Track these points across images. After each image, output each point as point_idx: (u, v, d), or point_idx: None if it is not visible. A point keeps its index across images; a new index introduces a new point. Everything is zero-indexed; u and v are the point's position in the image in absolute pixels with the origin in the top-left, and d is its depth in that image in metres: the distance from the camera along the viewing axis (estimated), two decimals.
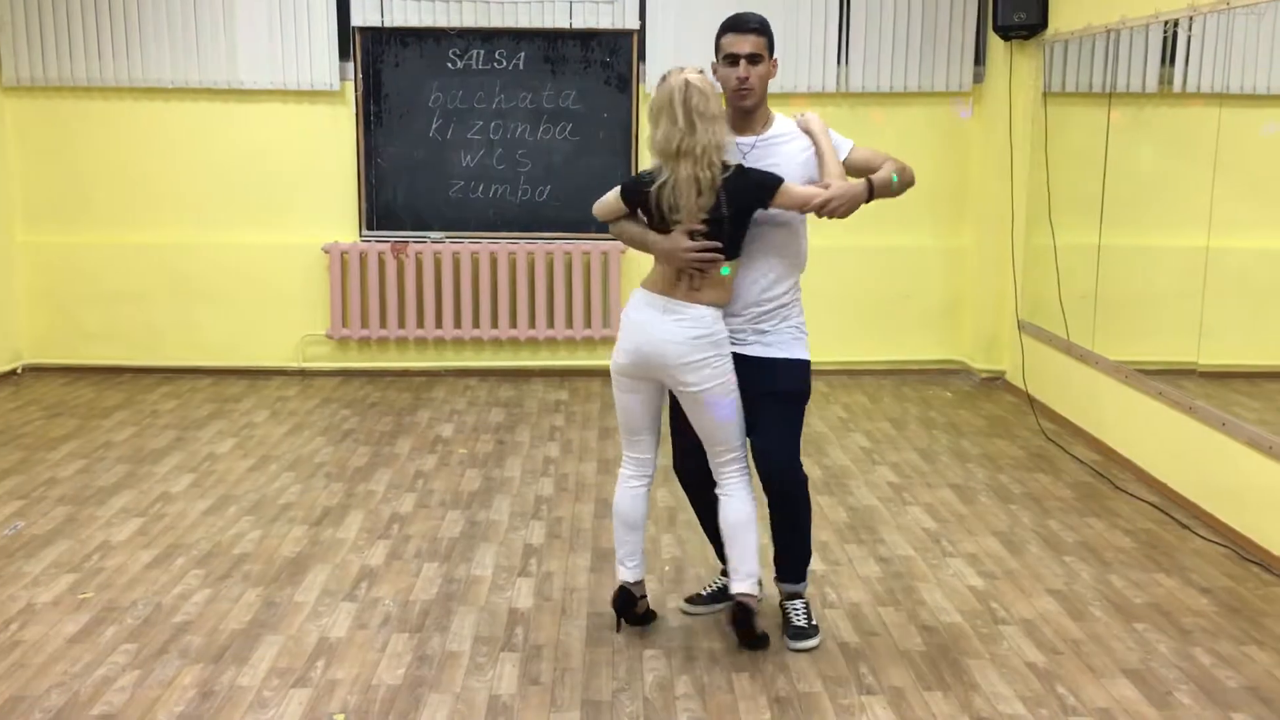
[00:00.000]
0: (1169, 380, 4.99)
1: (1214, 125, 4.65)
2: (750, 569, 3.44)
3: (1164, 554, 4.33)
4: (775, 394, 3.42)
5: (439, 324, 7.08)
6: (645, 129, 6.92)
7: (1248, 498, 4.37)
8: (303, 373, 7.13)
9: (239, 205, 7.02)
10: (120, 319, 7.06)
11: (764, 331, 3.44)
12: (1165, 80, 5.16)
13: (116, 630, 3.60)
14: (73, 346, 7.09)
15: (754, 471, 3.52)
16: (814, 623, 3.59)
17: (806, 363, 3.49)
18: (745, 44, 3.30)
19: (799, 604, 3.59)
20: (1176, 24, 4.97)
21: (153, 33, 6.79)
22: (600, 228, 7.00)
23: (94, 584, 3.95)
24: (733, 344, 3.39)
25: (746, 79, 3.31)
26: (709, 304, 3.35)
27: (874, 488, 5.07)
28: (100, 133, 6.93)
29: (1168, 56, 5.10)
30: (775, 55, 3.41)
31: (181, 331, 7.08)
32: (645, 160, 7.11)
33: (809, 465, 5.33)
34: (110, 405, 6.35)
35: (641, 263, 7.08)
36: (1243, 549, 4.33)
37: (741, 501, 3.44)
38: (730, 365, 3.38)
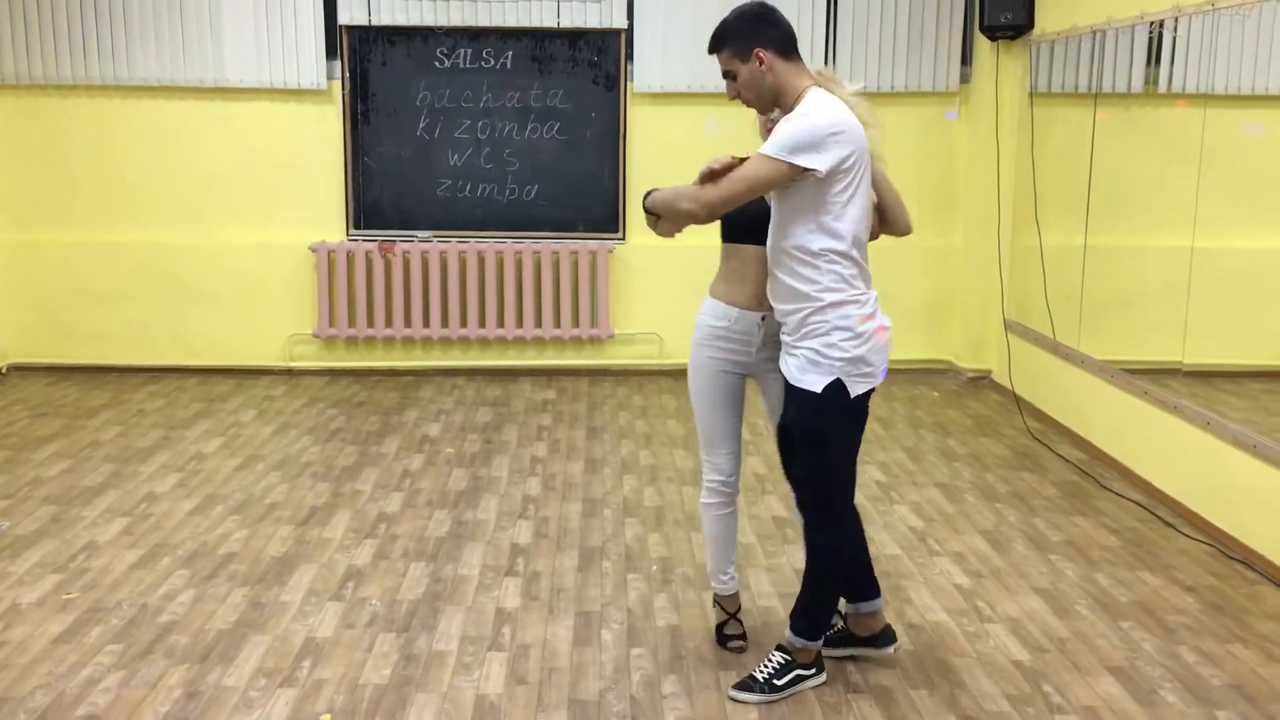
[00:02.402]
0: (1154, 379, 5.01)
1: (1199, 125, 4.67)
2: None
3: (1149, 552, 4.35)
4: (789, 427, 3.19)
5: (426, 323, 7.07)
6: (633, 127, 6.99)
7: (1232, 496, 4.40)
8: (290, 372, 7.12)
9: (226, 204, 7.00)
10: (106, 318, 7.03)
11: (785, 343, 3.15)
12: (1151, 81, 5.18)
13: (102, 631, 3.59)
14: (58, 346, 7.06)
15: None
16: (774, 681, 3.22)
17: (815, 395, 3.02)
18: (719, 65, 3.18)
19: (774, 655, 3.28)
20: (1162, 25, 4.99)
21: (139, 31, 6.77)
22: (589, 227, 7.09)
23: (79, 584, 3.94)
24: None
25: (737, 96, 3.19)
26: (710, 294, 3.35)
27: (861, 487, 5.08)
28: (86, 131, 6.90)
29: (1153, 57, 5.12)
30: (756, 48, 3.05)
31: (168, 331, 7.06)
32: (634, 158, 7.16)
33: None
34: (96, 405, 6.33)
35: (632, 262, 7.12)
36: (1227, 547, 4.35)
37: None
38: (693, 355, 3.37)
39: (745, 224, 3.24)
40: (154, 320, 7.05)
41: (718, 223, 3.27)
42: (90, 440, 5.65)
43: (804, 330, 3.05)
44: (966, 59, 7.01)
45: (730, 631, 3.54)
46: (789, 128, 2.96)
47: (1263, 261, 4.50)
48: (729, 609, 3.57)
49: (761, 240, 3.19)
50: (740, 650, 3.49)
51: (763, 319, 3.26)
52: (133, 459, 5.35)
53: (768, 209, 3.17)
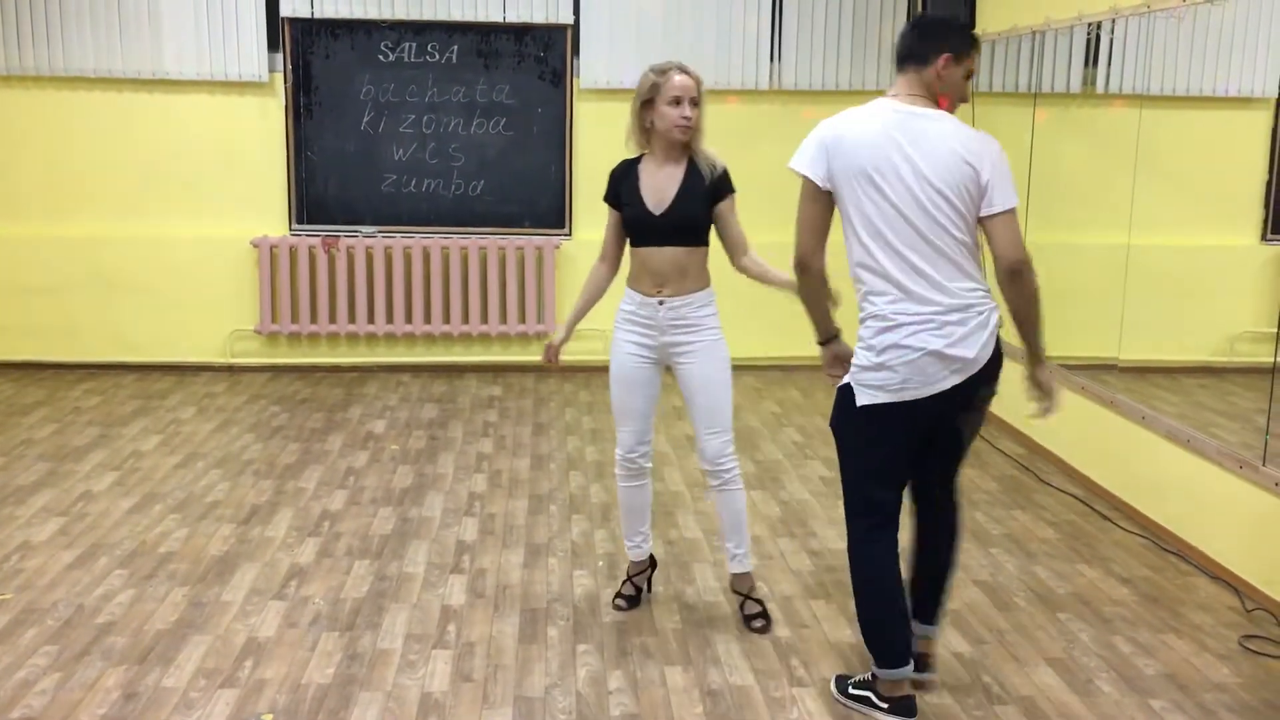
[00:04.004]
0: (1091, 375, 5.10)
1: (1135, 125, 4.76)
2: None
3: (1086, 545, 4.43)
4: None
5: (371, 319, 7.01)
6: (580, 123, 6.98)
7: (1166, 490, 4.49)
8: (231, 368, 7.02)
9: (165, 198, 6.88)
10: (41, 313, 6.89)
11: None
12: (1088, 81, 5.27)
13: (37, 632, 3.52)
14: None
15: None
16: (849, 688, 3.22)
17: (837, 391, 3.14)
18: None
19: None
20: (1099, 26, 5.08)
21: (75, 20, 6.63)
22: (535, 223, 7.07)
23: (13, 585, 3.86)
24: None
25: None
26: None
27: (806, 482, 5.12)
28: (20, 123, 6.75)
29: (1091, 58, 5.21)
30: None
31: (105, 326, 6.93)
32: (580, 154, 7.15)
33: (744, 460, 5.38)
34: (30, 402, 6.20)
35: (578, 258, 7.10)
36: (1161, 540, 4.44)
37: None
38: (612, 340, 3.68)
39: (641, 231, 3.54)
40: (91, 316, 6.92)
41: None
42: (24, 438, 5.53)
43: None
44: None
45: (622, 590, 3.84)
46: None
47: (1196, 259, 4.60)
48: (630, 571, 3.85)
49: (653, 243, 3.51)
50: (619, 609, 3.77)
51: (660, 303, 3.53)
52: (68, 457, 5.25)
53: (655, 218, 3.49)
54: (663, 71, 3.46)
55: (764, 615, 3.66)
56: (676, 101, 3.44)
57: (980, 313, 3.02)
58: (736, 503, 3.64)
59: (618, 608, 3.78)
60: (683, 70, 3.47)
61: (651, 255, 3.51)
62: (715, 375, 3.55)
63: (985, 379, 3.02)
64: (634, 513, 3.77)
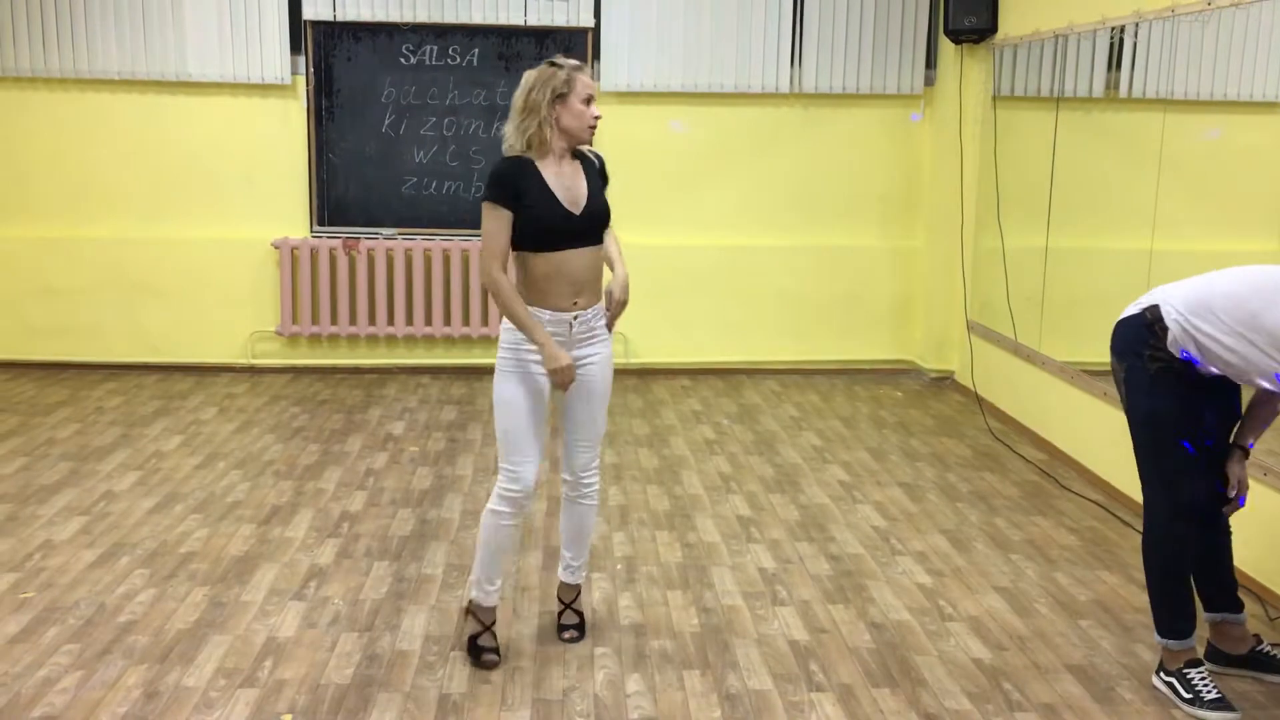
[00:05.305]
0: (1113, 381, 5.06)
1: (1158, 129, 4.73)
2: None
3: (1107, 551, 4.40)
4: None
5: (391, 321, 7.03)
6: (600, 126, 6.95)
7: None
8: (252, 369, 7.06)
9: (187, 200, 6.92)
10: (64, 314, 6.94)
11: None
12: (1112, 85, 5.24)
13: (59, 630, 3.54)
14: (15, 342, 6.95)
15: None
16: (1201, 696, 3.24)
17: None
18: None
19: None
20: (1123, 30, 5.05)
21: (99, 22, 6.68)
22: None
23: (35, 583, 3.88)
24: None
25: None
26: None
27: (825, 486, 5.11)
28: (44, 125, 6.81)
29: (1114, 62, 5.18)
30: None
31: (127, 327, 6.97)
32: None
33: (762, 464, 5.38)
34: (53, 402, 6.24)
35: None
36: None
37: None
38: (504, 360, 3.47)
39: (558, 234, 3.24)
40: (113, 317, 6.96)
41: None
42: (47, 438, 5.57)
43: None
44: (931, 62, 7.06)
45: (486, 644, 3.42)
46: None
47: (1219, 264, 4.55)
48: (487, 620, 3.44)
49: (572, 245, 3.25)
50: (493, 665, 3.38)
51: (575, 317, 3.31)
52: (91, 457, 5.29)
53: (576, 218, 3.24)
54: (577, 68, 3.29)
55: (579, 628, 3.59)
56: (589, 100, 3.28)
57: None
58: (588, 518, 3.57)
59: (488, 664, 3.38)
60: (586, 71, 3.36)
61: (569, 260, 3.23)
62: (602, 389, 3.45)
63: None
64: (506, 554, 3.48)
